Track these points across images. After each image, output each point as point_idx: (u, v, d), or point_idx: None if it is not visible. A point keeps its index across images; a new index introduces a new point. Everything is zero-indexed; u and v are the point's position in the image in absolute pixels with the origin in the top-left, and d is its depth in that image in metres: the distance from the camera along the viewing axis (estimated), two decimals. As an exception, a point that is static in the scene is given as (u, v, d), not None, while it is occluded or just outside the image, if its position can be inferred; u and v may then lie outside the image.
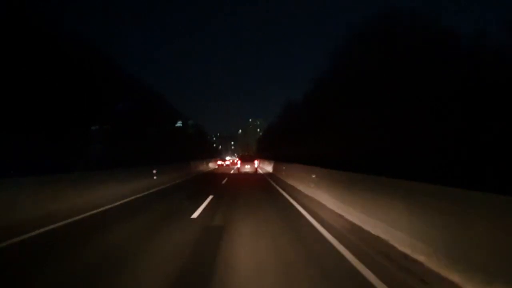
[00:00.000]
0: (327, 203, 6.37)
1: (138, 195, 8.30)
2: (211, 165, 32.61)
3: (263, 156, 29.03)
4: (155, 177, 11.80)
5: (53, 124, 7.98)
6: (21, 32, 7.17)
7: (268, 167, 23.94)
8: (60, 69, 8.16)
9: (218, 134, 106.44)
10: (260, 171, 22.57)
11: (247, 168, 21.77)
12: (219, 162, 37.42)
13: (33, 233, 4.29)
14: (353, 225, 4.55)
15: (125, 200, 7.42)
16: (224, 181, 13.23)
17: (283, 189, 9.48)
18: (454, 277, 2.84)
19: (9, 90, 6.91)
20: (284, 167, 14.71)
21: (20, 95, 7.15)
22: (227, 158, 47.56)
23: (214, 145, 67.17)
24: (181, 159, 19.18)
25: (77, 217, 5.35)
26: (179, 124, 24.70)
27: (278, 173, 16.40)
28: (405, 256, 3.27)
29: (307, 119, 13.40)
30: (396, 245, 3.56)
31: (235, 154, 69.64)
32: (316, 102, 12.19)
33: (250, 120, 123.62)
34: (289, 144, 17.77)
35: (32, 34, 7.42)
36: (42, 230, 4.48)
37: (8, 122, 6.97)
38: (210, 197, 7.67)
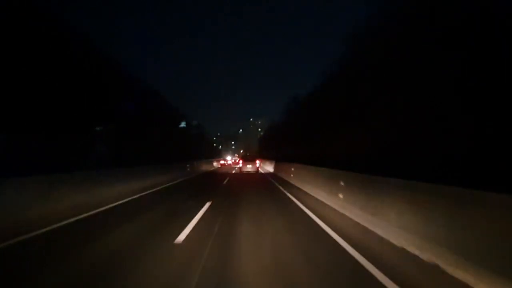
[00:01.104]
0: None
1: None
2: (215, 164, 34.44)
3: (264, 156, 28.99)
4: None
5: (54, 124, 7.97)
6: (21, 32, 7.16)
7: (269, 167, 23.97)
8: (61, 69, 8.15)
9: (219, 134, 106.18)
10: (261, 170, 22.58)
11: (249, 168, 21.79)
12: (222, 162, 39.79)
13: None
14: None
15: None
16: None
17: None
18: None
19: (11, 90, 6.91)
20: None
21: (21, 95, 7.15)
22: (228, 158, 49.70)
23: (214, 145, 67.16)
24: (181, 159, 19.15)
25: None
26: (183, 125, 24.69)
27: (283, 175, 16.38)
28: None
29: (311, 118, 13.11)
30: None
31: (236, 155, 69.75)
32: (317, 102, 12.16)
33: (251, 119, 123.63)
34: (292, 143, 17.30)
35: (33, 34, 7.41)
36: None
37: (9, 122, 6.96)
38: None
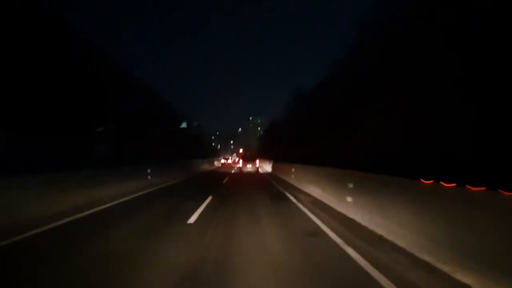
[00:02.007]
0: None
1: None
2: (216, 164, 37.99)
3: (264, 156, 28.95)
4: None
5: (54, 124, 7.97)
6: (21, 32, 7.15)
7: (268, 167, 24.03)
8: (61, 69, 8.14)
9: (217, 132, 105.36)
10: (260, 170, 22.58)
11: (249, 167, 21.79)
12: (222, 161, 42.09)
13: None
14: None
15: None
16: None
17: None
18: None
19: (11, 89, 6.91)
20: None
21: (21, 95, 7.14)
22: (228, 157, 51.69)
23: (213, 144, 67.14)
24: (182, 158, 19.14)
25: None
26: (184, 125, 24.80)
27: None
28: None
29: (313, 117, 12.66)
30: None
31: (234, 154, 69.84)
32: (317, 101, 12.17)
33: (251, 118, 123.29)
34: (293, 143, 16.95)
35: (33, 34, 7.40)
36: None
37: (9, 121, 6.96)
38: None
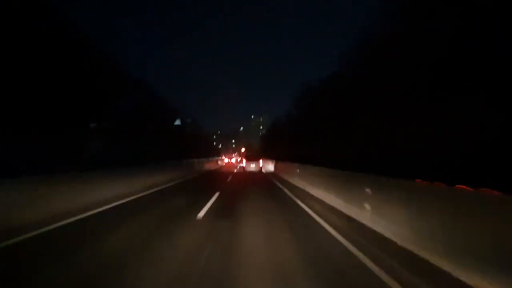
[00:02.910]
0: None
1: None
2: (220, 163, 38.77)
3: (267, 156, 28.67)
4: None
5: (49, 122, 7.97)
6: (20, 29, 7.17)
7: (271, 167, 23.83)
8: (59, 67, 8.15)
9: (219, 132, 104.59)
10: (263, 170, 22.45)
11: (252, 167, 21.60)
12: (226, 160, 43.08)
13: None
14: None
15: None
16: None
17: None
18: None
19: (8, 88, 6.91)
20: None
21: (20, 94, 7.15)
22: (231, 156, 52.97)
23: (214, 143, 67.02)
24: (178, 158, 19.01)
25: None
26: (177, 122, 24.21)
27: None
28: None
29: (319, 115, 12.08)
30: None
31: (235, 153, 70.00)
32: (318, 102, 12.14)
33: (253, 116, 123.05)
34: (298, 142, 16.45)
35: (32, 32, 7.41)
36: None
37: (6, 120, 6.94)
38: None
